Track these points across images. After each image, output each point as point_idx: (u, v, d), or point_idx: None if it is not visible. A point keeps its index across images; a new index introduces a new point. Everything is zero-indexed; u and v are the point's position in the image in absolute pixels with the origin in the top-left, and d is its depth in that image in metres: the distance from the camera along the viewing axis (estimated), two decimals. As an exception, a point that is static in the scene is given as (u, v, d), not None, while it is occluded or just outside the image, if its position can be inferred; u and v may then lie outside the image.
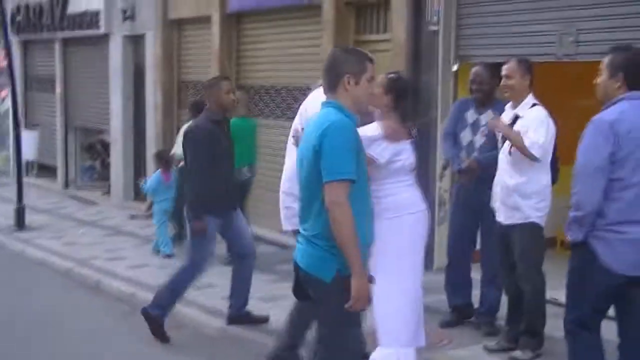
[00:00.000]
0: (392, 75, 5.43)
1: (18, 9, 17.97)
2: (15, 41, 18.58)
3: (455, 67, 8.50)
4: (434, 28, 8.53)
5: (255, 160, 9.69)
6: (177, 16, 13.14)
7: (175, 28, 13.41)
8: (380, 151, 5.07)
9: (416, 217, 5.19)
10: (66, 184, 16.66)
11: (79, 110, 16.61)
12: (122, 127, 14.61)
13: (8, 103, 19.21)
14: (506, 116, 5.95)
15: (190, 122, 8.23)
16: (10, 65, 12.74)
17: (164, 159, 10.22)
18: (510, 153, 5.72)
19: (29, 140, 16.28)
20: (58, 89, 16.98)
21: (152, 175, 10.43)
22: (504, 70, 5.86)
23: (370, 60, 4.20)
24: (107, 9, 14.63)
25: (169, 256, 9.68)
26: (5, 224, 12.19)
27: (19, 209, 12.11)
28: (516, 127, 5.76)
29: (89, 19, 15.16)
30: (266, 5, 11.00)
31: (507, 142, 5.75)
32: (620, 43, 7.18)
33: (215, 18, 11.98)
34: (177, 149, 9.62)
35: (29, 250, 10.70)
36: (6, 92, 19.67)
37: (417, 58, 8.79)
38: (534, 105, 5.80)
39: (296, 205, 4.50)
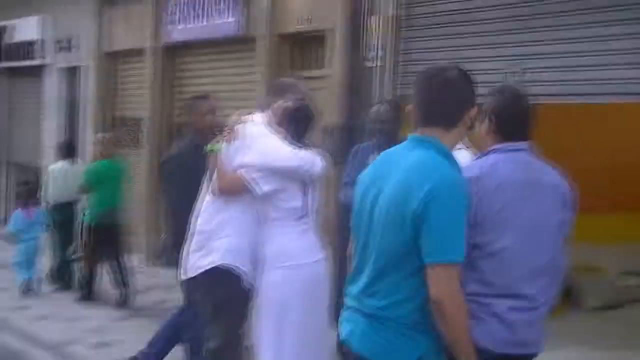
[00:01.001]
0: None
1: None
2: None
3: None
4: (371, 64, 7.79)
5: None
6: (112, 48, 12.37)
7: (111, 61, 12.63)
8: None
9: (308, 269, 4.41)
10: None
11: (13, 144, 15.71)
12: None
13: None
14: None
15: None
16: None
17: (23, 197, 10.06)
18: None
19: None
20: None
21: (13, 215, 10.14)
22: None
23: None
24: (43, 39, 13.85)
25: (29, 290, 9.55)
26: None
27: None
28: None
29: (25, 49, 14.38)
30: (199, 38, 10.27)
31: None
32: (570, 83, 6.77)
33: (149, 51, 11.24)
34: (49, 189, 9.90)
35: None
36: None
37: (355, 96, 8.04)
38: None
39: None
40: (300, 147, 4.61)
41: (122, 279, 9.07)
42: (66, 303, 9.19)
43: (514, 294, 3.40)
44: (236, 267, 4.52)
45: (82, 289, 9.30)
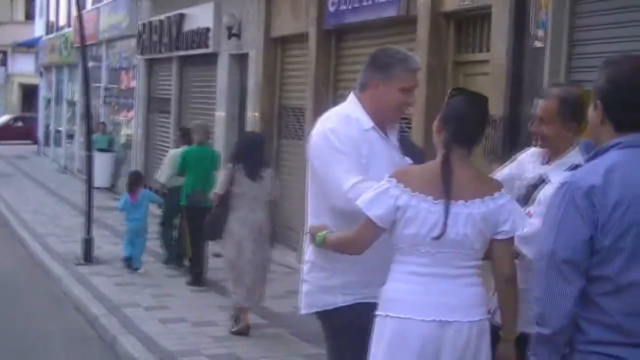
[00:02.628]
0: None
1: (143, 27, 17.24)
2: (140, 60, 17.96)
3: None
4: (539, 45, 6.58)
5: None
6: (277, 34, 11.74)
7: (276, 47, 12.01)
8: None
9: (406, 326, 3.33)
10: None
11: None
12: (223, 154, 13.30)
13: (132, 126, 18.60)
14: (528, 171, 3.89)
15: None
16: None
17: (129, 181, 10.78)
18: None
19: (103, 164, 15.70)
20: (172, 110, 16.03)
21: (121, 196, 11.06)
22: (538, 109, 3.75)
23: None
24: (216, 27, 13.50)
25: (136, 269, 10.29)
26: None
27: (87, 239, 10.95)
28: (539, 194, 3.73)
29: (200, 37, 14.12)
30: (360, 20, 9.38)
31: None
32: None
33: (312, 34, 10.50)
34: (165, 173, 10.40)
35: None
36: (131, 114, 19.07)
37: (519, 83, 6.86)
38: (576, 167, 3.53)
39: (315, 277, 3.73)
40: None
41: (196, 260, 9.62)
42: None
43: None
44: None
45: (190, 272, 9.88)
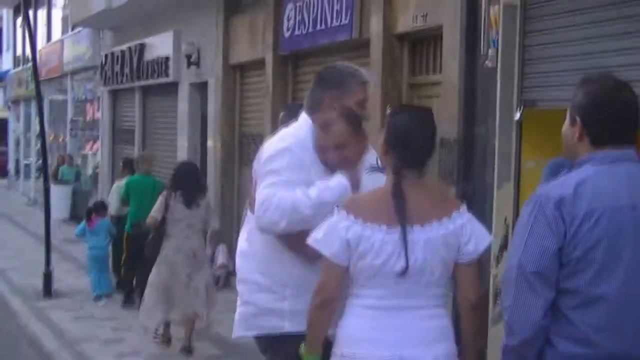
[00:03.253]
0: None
1: (106, 58, 17.10)
2: (104, 92, 17.83)
3: (517, 115, 6.34)
4: (490, 64, 6.49)
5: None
6: (237, 61, 11.64)
7: (237, 74, 11.91)
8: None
9: None
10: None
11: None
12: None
13: (98, 157, 18.39)
14: None
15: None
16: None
17: (89, 209, 11.05)
18: None
19: (60, 196, 15.72)
20: (136, 141, 15.87)
21: (78, 225, 11.29)
22: None
23: None
24: (176, 56, 13.39)
25: (107, 296, 10.40)
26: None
27: (46, 274, 10.73)
28: None
29: (160, 66, 14.00)
30: (315, 45, 9.30)
31: None
32: None
33: (269, 60, 10.40)
34: (112, 205, 10.78)
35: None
36: (97, 145, 18.89)
37: (472, 104, 6.77)
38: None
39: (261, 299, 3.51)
40: None
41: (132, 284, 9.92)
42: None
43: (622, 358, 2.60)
44: None
45: (123, 293, 10.22)
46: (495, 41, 6.48)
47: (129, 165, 10.99)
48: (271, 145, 3.66)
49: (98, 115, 18.82)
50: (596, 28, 5.71)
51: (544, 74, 6.24)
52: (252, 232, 3.70)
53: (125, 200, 10.06)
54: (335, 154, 3.52)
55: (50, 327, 8.96)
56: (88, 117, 20.00)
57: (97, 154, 19.12)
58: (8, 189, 30.59)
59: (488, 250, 3.37)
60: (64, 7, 21.76)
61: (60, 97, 22.62)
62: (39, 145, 25.72)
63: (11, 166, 31.35)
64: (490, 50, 6.52)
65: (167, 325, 7.92)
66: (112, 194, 11.08)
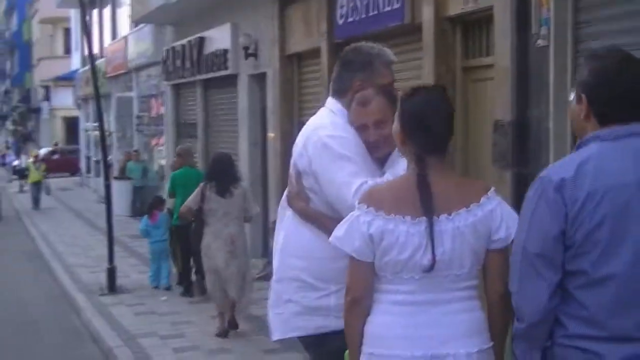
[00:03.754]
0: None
1: (167, 53, 17.23)
2: (167, 86, 17.96)
3: (572, 96, 6.10)
4: (543, 43, 6.27)
5: None
6: (294, 50, 11.57)
7: (294, 64, 11.83)
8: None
9: None
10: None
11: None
12: (248, 176, 13.16)
13: (164, 154, 18.55)
14: None
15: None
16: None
17: (149, 205, 11.39)
18: None
19: (121, 192, 15.81)
20: (199, 135, 15.95)
21: (141, 220, 11.40)
22: None
23: None
24: (234, 48, 13.39)
25: (167, 289, 10.70)
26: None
27: (110, 269, 10.85)
28: None
29: (219, 59, 14.02)
30: (368, 31, 9.13)
31: None
32: None
33: (324, 49, 10.30)
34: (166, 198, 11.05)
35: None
36: (162, 140, 19.05)
37: (524, 85, 6.55)
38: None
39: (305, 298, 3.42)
40: None
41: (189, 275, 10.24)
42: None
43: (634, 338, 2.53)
44: None
45: (181, 285, 10.57)
46: (547, 19, 6.27)
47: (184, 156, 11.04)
48: (317, 133, 3.52)
49: (162, 110, 19.00)
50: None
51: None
52: (289, 228, 3.60)
53: (172, 193, 10.32)
54: (376, 131, 3.41)
55: (111, 324, 9.04)
56: (153, 113, 20.22)
57: (162, 149, 19.31)
58: (81, 187, 31.20)
59: None
60: (129, 4, 22.02)
61: (126, 93, 22.90)
62: (108, 142, 26.29)
63: (83, 164, 31.95)
64: (542, 29, 6.31)
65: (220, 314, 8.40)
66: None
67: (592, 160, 2.61)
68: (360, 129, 3.44)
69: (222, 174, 8.33)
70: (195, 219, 8.44)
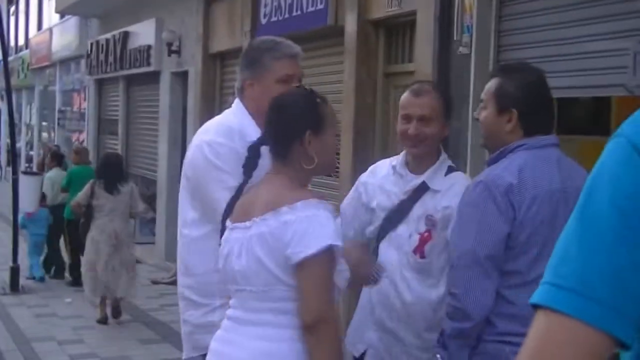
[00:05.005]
0: None
1: (91, 46, 16.71)
2: (90, 81, 17.45)
3: (480, 109, 5.90)
4: (465, 51, 6.08)
5: None
6: (217, 49, 11.23)
7: (217, 63, 11.49)
8: None
9: None
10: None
11: (135, 156, 14.97)
12: (166, 177, 12.79)
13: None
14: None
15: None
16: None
17: None
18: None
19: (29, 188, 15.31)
20: (120, 132, 15.48)
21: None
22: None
23: None
24: (157, 44, 12.97)
25: (41, 279, 10.84)
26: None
27: (13, 268, 10.34)
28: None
29: (142, 55, 13.59)
30: (291, 31, 8.85)
31: None
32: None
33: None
34: (48, 195, 11.32)
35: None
36: (83, 136, 18.53)
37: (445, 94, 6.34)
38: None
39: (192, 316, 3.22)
40: None
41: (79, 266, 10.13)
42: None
43: None
44: None
45: (71, 276, 10.83)
46: (470, 27, 6.08)
47: (57, 158, 12.06)
48: (200, 136, 3.31)
49: (84, 105, 18.43)
50: (573, 11, 5.31)
51: (519, 60, 5.81)
52: (180, 246, 3.37)
53: (65, 188, 10.61)
54: (418, 126, 3.40)
55: (8, 325, 8.56)
56: (75, 107, 19.61)
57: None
58: (0, 180, 30.23)
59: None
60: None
61: (49, 87, 22.23)
62: (29, 135, 25.47)
63: (3, 157, 30.98)
64: (464, 37, 6.12)
65: (102, 302, 8.79)
66: (45, 185, 11.47)
67: (528, 167, 2.79)
68: (403, 118, 3.37)
69: (111, 172, 8.87)
70: (83, 214, 8.88)
